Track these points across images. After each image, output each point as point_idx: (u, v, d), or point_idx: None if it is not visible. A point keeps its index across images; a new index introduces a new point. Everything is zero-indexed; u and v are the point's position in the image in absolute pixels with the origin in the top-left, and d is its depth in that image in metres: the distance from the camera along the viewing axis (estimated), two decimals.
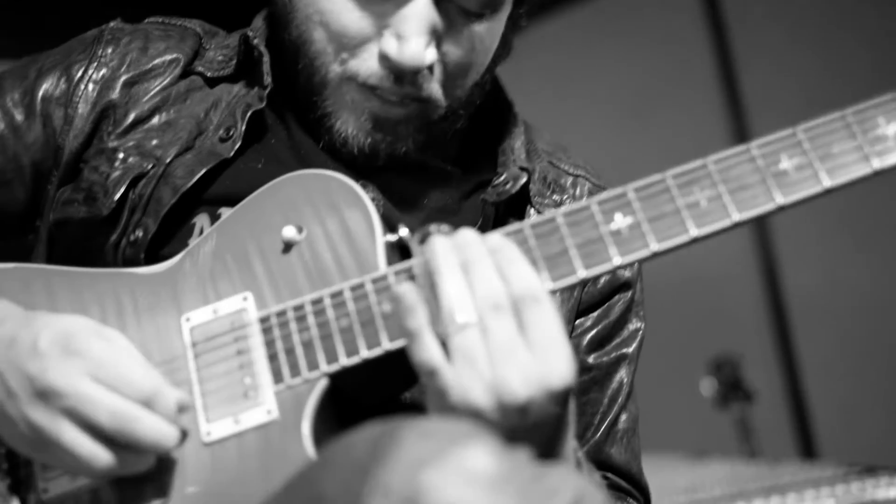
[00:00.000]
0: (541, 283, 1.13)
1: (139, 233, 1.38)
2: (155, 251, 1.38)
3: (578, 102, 4.99)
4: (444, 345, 1.11)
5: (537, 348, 1.09)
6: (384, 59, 1.37)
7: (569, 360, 1.10)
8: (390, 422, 0.98)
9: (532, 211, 1.49)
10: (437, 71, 1.40)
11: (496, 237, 1.16)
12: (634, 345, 1.55)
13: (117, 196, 1.41)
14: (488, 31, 1.43)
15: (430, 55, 1.36)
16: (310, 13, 1.40)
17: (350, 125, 1.42)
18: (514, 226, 1.20)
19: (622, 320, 1.56)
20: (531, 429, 1.10)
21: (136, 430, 1.12)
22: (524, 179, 1.48)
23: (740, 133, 4.68)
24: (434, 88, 1.40)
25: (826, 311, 4.57)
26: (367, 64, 1.38)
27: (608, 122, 4.96)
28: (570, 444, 1.19)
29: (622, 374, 1.53)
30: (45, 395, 1.12)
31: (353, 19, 1.37)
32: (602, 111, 4.99)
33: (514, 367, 1.07)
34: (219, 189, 1.42)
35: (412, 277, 1.19)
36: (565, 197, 1.53)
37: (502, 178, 1.48)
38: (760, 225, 4.63)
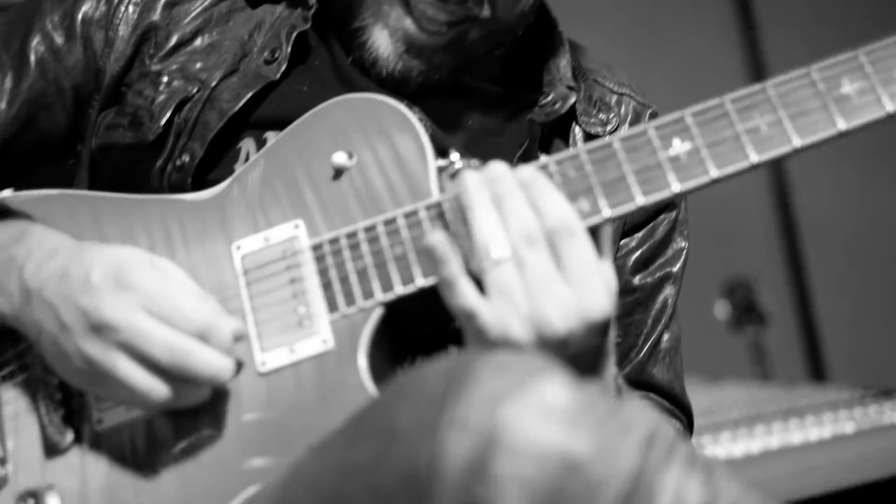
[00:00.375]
0: (574, 215, 1.12)
1: (185, 158, 1.36)
2: (201, 176, 1.36)
3: (588, 27, 4.91)
4: (480, 281, 1.11)
5: (574, 280, 1.09)
6: None
7: (606, 290, 1.10)
8: (463, 354, 0.97)
9: (577, 130, 1.47)
10: None
11: (528, 169, 1.15)
12: (679, 264, 1.54)
13: (163, 121, 1.38)
14: None
15: None
16: None
17: (382, 44, 1.40)
18: (570, 151, 1.18)
19: (666, 240, 1.54)
20: (571, 360, 1.08)
21: (191, 363, 1.11)
22: (573, 99, 1.45)
23: (754, 57, 4.62)
24: (484, 10, 1.37)
25: (837, 232, 4.57)
26: None
27: (619, 47, 4.89)
28: (611, 371, 1.20)
29: (666, 293, 1.52)
30: (99, 329, 1.11)
31: None
32: (613, 34, 4.92)
33: (552, 299, 1.07)
34: (265, 112, 1.39)
35: (451, 211, 1.17)
36: (611, 115, 1.51)
37: (550, 98, 1.45)
38: None
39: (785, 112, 1.17)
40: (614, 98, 1.54)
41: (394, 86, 1.41)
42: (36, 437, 1.20)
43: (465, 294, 1.10)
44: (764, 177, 4.73)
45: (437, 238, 1.11)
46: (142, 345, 1.10)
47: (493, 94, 1.49)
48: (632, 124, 1.51)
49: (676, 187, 1.17)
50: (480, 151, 1.40)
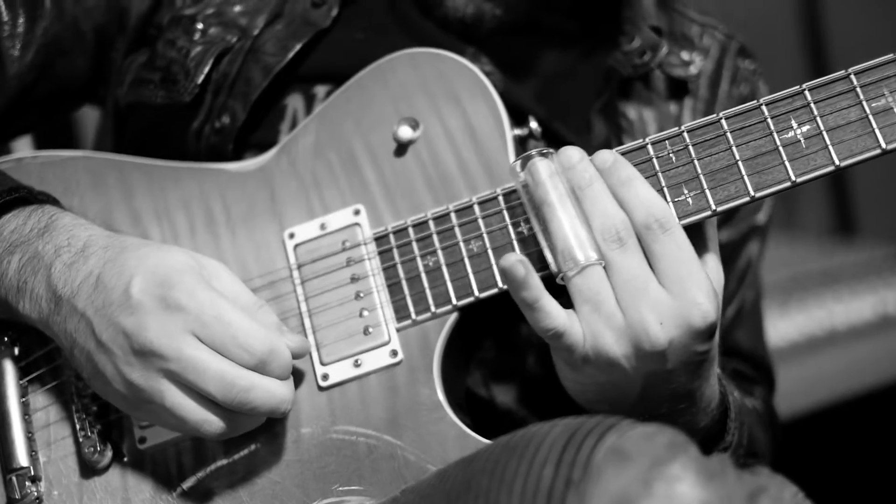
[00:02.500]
0: (665, 204, 0.98)
1: (226, 119, 1.20)
2: (242, 138, 1.21)
3: None
4: (563, 287, 0.98)
5: (671, 283, 0.96)
6: None
7: (710, 292, 0.97)
8: (576, 427, 0.85)
9: (659, 73, 1.30)
10: None
11: (606, 154, 1.00)
12: (763, 214, 1.39)
13: (200, 79, 1.21)
14: None
15: None
16: None
17: None
18: (670, 132, 1.03)
19: None
20: (671, 372, 0.98)
21: (250, 399, 0.97)
22: (664, 51, 1.28)
23: None
24: None
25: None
26: None
27: None
28: (714, 378, 1.07)
29: (751, 250, 1.37)
30: (144, 355, 0.96)
31: None
32: None
33: (648, 306, 0.95)
34: (314, 64, 1.22)
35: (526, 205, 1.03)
36: (694, 53, 1.34)
37: (635, 44, 1.27)
38: None
39: None
40: (697, 30, 1.36)
41: (462, 28, 1.24)
42: (71, 452, 1.08)
43: (550, 314, 0.97)
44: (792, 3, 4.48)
45: (511, 261, 0.96)
46: (194, 378, 0.96)
47: (567, 30, 1.31)
48: (717, 62, 1.34)
49: (795, 178, 1.02)
50: (555, 100, 1.25)
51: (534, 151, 1.01)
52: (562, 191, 0.99)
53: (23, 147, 1.51)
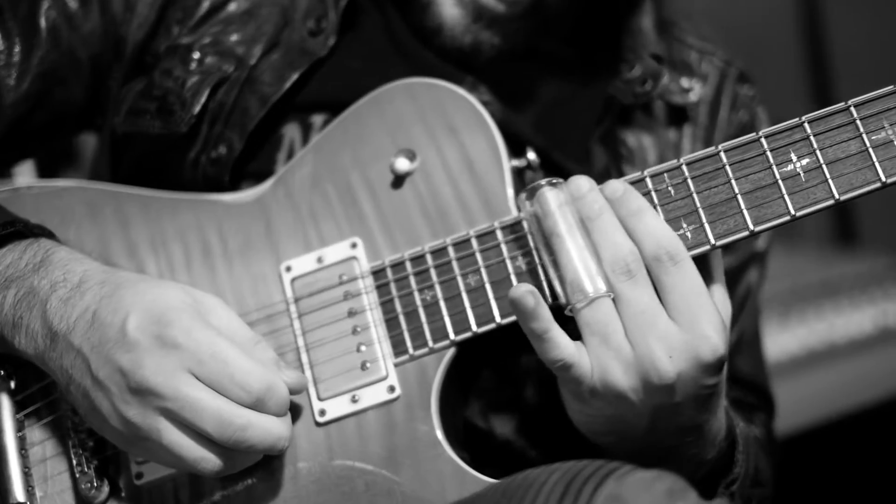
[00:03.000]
0: (675, 236, 0.98)
1: (222, 149, 1.19)
2: (238, 167, 1.20)
3: None
4: (570, 318, 0.98)
5: (680, 315, 0.96)
6: None
7: (719, 324, 0.97)
8: (568, 473, 0.84)
9: (660, 104, 1.30)
10: None
11: (616, 184, 1.00)
12: (763, 240, 1.38)
13: (197, 109, 1.20)
14: None
15: None
16: None
17: (447, 10, 1.22)
18: (669, 164, 1.02)
19: None
20: (679, 405, 0.98)
21: (246, 438, 0.97)
22: (665, 79, 1.28)
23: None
24: None
25: (874, 70, 4.35)
26: None
27: None
28: (723, 409, 1.07)
29: (751, 277, 1.37)
30: (141, 393, 0.96)
31: None
32: None
33: (657, 339, 0.95)
34: (311, 93, 1.22)
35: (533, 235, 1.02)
36: (693, 81, 1.33)
37: (636, 72, 1.27)
38: None
39: None
40: (695, 56, 1.36)
41: (460, 57, 1.24)
42: (68, 487, 1.08)
43: (559, 345, 0.96)
44: (791, 3, 4.47)
45: (521, 291, 0.96)
46: (191, 417, 0.95)
47: (566, 58, 1.31)
48: (716, 88, 1.34)
49: (794, 212, 1.01)
50: (554, 129, 1.24)
51: (543, 181, 1.01)
52: (571, 221, 0.98)
53: (24, 171, 1.51)
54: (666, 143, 1.29)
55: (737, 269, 1.35)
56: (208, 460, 0.98)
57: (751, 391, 1.37)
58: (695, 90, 1.32)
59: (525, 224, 1.04)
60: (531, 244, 1.04)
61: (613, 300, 0.97)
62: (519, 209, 1.06)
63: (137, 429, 0.97)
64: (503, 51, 1.24)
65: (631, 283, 0.96)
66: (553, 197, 0.99)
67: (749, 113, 1.34)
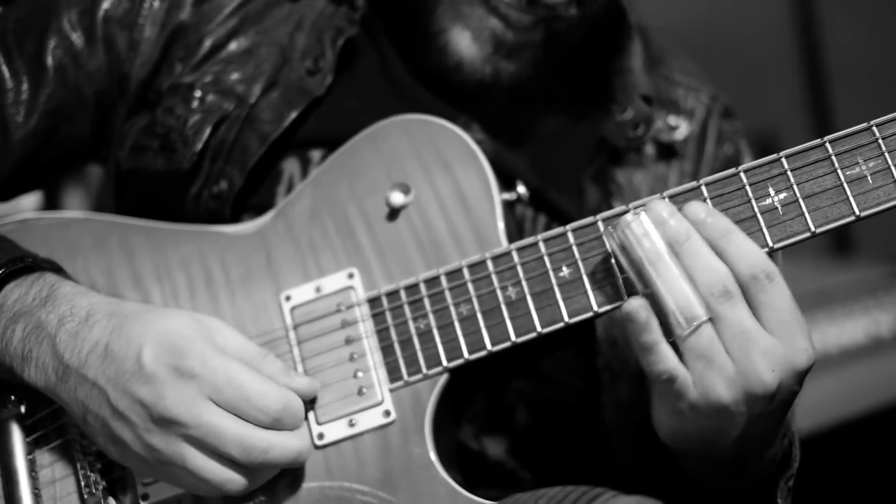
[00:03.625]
0: (765, 254, 1.02)
1: (223, 185, 1.24)
2: (240, 201, 1.25)
3: None
4: (675, 344, 1.02)
5: (777, 328, 1.00)
6: None
7: (808, 333, 1.02)
8: (554, 500, 0.89)
9: (650, 146, 1.34)
10: None
11: (697, 205, 1.03)
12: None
13: (198, 146, 1.25)
14: None
15: None
16: None
17: (465, 46, 1.26)
18: (651, 199, 1.07)
19: None
20: (773, 412, 1.03)
21: (269, 458, 1.03)
22: (658, 124, 1.32)
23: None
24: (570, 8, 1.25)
25: (868, 75, 4.37)
26: None
27: None
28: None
29: None
30: (164, 423, 1.01)
31: None
32: None
33: (759, 354, 0.99)
34: (309, 130, 1.26)
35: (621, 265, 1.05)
36: (681, 118, 1.37)
37: (627, 115, 1.31)
38: None
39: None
40: (682, 93, 1.40)
41: (478, 89, 1.27)
42: None
43: (666, 358, 1.01)
44: (787, 12, 4.49)
45: (635, 305, 1.00)
46: (214, 442, 1.01)
47: (563, 97, 1.35)
48: (702, 124, 1.38)
49: (772, 244, 1.06)
50: (547, 166, 1.29)
51: (625, 210, 1.05)
52: (659, 248, 1.01)
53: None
54: (655, 177, 1.33)
55: None
56: (234, 481, 1.04)
57: None
58: (681, 128, 1.36)
59: (613, 256, 1.06)
60: (520, 275, 1.09)
61: (710, 319, 1.00)
62: (507, 227, 1.10)
63: (161, 455, 1.03)
64: (521, 78, 1.27)
65: (730, 305, 1.00)
66: (638, 226, 1.02)
67: (734, 147, 1.38)
